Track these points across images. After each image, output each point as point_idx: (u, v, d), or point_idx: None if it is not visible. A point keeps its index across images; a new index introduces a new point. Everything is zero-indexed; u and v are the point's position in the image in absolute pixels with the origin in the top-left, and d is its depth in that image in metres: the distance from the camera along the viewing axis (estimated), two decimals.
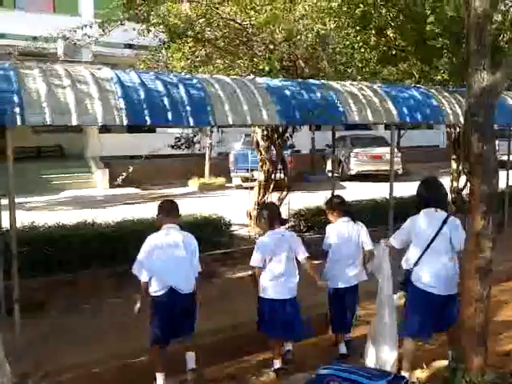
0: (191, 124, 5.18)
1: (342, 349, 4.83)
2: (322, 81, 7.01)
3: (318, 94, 6.37)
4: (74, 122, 4.52)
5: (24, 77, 4.63)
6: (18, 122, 4.32)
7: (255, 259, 4.46)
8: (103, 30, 6.57)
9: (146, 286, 4.18)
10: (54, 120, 4.43)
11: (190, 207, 9.04)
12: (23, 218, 7.79)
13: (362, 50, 8.00)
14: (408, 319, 4.07)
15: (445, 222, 3.89)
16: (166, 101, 5.02)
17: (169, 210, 4.32)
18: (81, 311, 5.93)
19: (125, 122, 4.71)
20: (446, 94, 8.06)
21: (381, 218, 8.28)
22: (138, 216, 8.15)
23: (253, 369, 4.71)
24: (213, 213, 8.73)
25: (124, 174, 8.62)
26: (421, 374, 4.16)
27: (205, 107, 5.28)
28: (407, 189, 11.32)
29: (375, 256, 4.41)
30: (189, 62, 7.09)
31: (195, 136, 7.99)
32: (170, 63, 7.44)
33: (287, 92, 6.17)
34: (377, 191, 10.35)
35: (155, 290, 4.15)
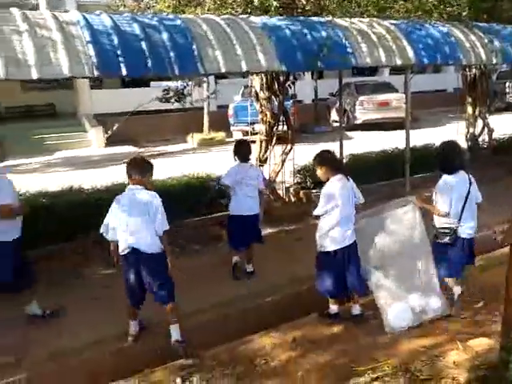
0: (176, 73, 4.41)
1: (356, 310, 4.58)
2: (327, 18, 6.16)
3: (324, 34, 5.54)
4: (34, 76, 3.78)
5: None
6: None
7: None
8: None
9: (114, 246, 4.21)
10: (9, 73, 3.68)
11: (188, 165, 8.35)
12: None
13: None
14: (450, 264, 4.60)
15: (470, 181, 4.60)
16: (144, 46, 4.25)
17: (129, 170, 4.14)
18: (69, 285, 5.42)
19: (95, 74, 3.98)
20: (465, 30, 7.19)
21: (394, 171, 7.63)
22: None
23: (260, 351, 4.15)
24: (212, 172, 8.07)
25: (109, 132, 7.91)
26: (457, 356, 3.57)
27: (191, 52, 4.51)
28: (418, 137, 10.59)
29: (398, 212, 4.46)
30: (174, 1, 6.22)
31: (185, 87, 7.20)
32: (153, 6, 6.58)
33: (287, 32, 5.35)
34: (385, 141, 9.65)
35: (121, 249, 4.14)
